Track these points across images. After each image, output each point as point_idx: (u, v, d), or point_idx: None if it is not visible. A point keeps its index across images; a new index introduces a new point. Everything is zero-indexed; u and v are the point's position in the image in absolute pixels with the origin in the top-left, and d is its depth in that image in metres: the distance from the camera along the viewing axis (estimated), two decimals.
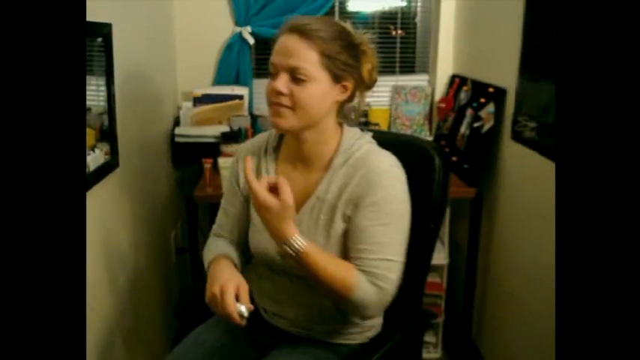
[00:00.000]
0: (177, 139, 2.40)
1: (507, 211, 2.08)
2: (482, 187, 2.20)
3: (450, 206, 2.35)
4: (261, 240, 1.30)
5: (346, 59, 1.20)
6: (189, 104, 2.48)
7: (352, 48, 1.22)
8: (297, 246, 1.14)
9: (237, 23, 2.60)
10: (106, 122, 1.57)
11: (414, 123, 2.76)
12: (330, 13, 2.70)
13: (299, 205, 1.25)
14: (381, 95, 2.81)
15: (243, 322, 1.13)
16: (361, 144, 1.26)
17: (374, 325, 1.39)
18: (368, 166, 1.21)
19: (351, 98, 1.28)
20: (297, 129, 1.21)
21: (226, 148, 2.28)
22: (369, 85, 1.29)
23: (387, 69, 2.83)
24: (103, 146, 1.54)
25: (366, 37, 1.27)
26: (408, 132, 2.76)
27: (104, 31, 1.54)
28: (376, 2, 2.82)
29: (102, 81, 1.55)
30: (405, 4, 2.83)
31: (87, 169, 1.42)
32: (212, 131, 2.37)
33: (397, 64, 2.83)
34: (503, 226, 2.11)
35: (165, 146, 2.39)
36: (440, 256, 2.35)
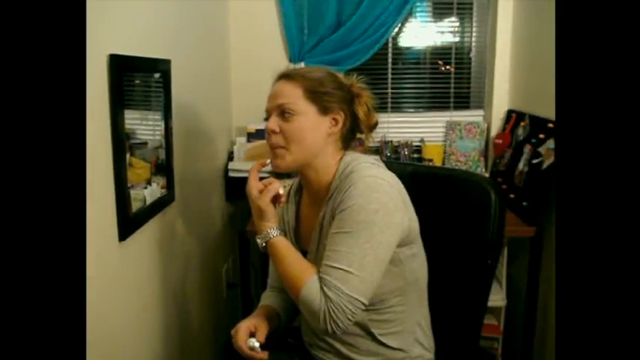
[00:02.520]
0: (230, 174, 2.42)
1: None
2: (543, 226, 2.11)
3: (508, 246, 2.28)
4: None
5: (331, 91, 1.25)
6: (243, 139, 2.50)
7: (339, 85, 1.27)
8: (267, 238, 1.24)
9: (292, 59, 2.63)
10: (162, 156, 1.59)
11: (469, 159, 2.70)
12: (383, 49, 2.70)
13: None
14: (435, 131, 2.77)
15: (256, 355, 1.24)
16: (356, 164, 1.24)
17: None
18: (349, 181, 1.19)
19: (352, 135, 1.30)
20: (295, 167, 1.27)
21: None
22: (369, 126, 1.31)
23: (441, 104, 2.80)
24: (158, 180, 1.56)
25: (355, 80, 1.30)
26: (463, 168, 2.70)
27: (163, 67, 1.58)
28: (429, 38, 2.81)
29: (159, 115, 1.57)
30: (458, 39, 2.81)
31: (143, 203, 1.43)
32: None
33: (451, 100, 2.80)
34: None
35: (219, 181, 2.41)
36: (497, 298, 2.26)
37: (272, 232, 1.24)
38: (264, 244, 1.26)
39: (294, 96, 1.23)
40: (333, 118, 1.25)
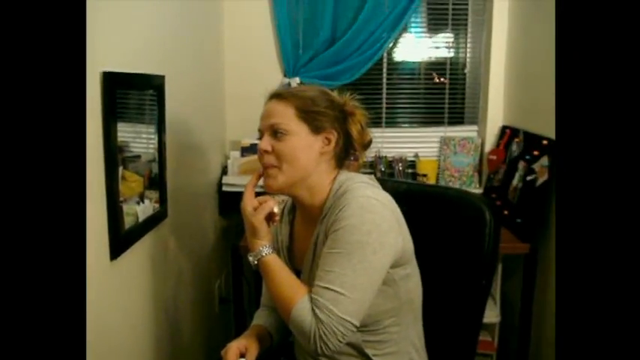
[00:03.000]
0: (224, 188, 2.41)
1: None
2: (537, 243, 2.10)
3: (502, 262, 2.27)
4: None
5: (323, 110, 1.24)
6: (237, 154, 2.49)
7: (331, 104, 1.26)
8: (259, 256, 1.23)
9: (286, 74, 2.63)
10: (155, 170, 1.58)
11: (463, 175, 2.70)
12: (378, 64, 2.70)
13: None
14: (429, 146, 2.78)
15: None
16: (350, 184, 1.23)
17: None
18: (342, 201, 1.18)
19: (346, 154, 1.30)
20: (287, 187, 1.26)
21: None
22: (363, 145, 1.30)
23: (436, 119, 2.81)
24: (151, 194, 1.55)
25: (349, 99, 1.30)
26: (457, 184, 2.70)
27: (157, 82, 1.57)
28: (423, 52, 2.82)
29: (152, 129, 1.57)
30: (452, 54, 2.82)
31: (136, 219, 1.42)
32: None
33: (445, 115, 2.80)
34: None
35: (212, 195, 2.39)
36: (492, 314, 2.26)
37: (264, 250, 1.23)
38: (256, 262, 1.24)
39: (286, 116, 1.23)
40: (326, 137, 1.25)
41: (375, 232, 1.13)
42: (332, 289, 1.11)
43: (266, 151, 1.24)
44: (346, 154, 1.30)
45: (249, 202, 1.26)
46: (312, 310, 1.12)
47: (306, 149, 1.23)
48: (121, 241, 1.31)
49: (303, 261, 1.29)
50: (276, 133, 1.23)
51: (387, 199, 1.22)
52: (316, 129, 1.23)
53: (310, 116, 1.23)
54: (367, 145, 1.32)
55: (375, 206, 1.16)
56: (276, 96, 1.27)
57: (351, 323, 1.11)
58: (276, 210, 1.26)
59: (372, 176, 1.31)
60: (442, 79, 2.82)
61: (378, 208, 1.16)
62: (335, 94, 1.31)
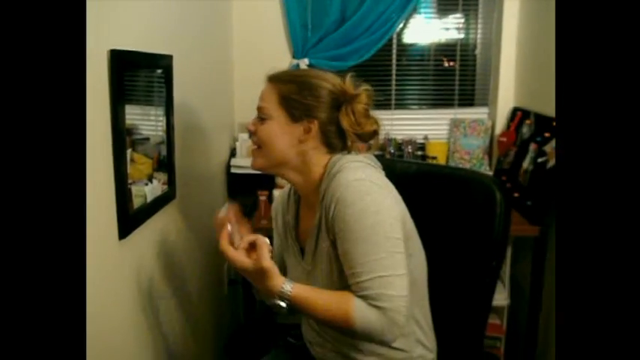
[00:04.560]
0: (233, 170, 2.41)
1: None
2: (547, 226, 2.09)
3: (511, 245, 2.26)
4: (293, 279, 1.24)
5: (305, 101, 1.23)
6: (245, 136, 2.49)
7: (320, 91, 1.23)
8: (286, 295, 1.12)
9: (295, 56, 2.61)
10: (164, 152, 1.58)
11: (473, 157, 2.68)
12: (388, 45, 2.68)
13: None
14: (439, 128, 2.76)
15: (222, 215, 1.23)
16: (342, 163, 1.21)
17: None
18: (336, 186, 1.16)
19: (340, 140, 1.25)
20: (267, 168, 1.29)
21: (281, 181, 2.26)
22: (359, 135, 1.25)
23: (446, 101, 2.78)
24: (160, 176, 1.54)
25: (351, 84, 1.25)
26: (467, 166, 2.68)
27: (165, 62, 1.56)
28: (434, 34, 2.79)
29: (161, 111, 1.56)
30: (463, 35, 2.79)
31: (144, 200, 1.42)
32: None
33: (456, 97, 2.78)
34: None
35: (221, 177, 2.39)
36: (500, 297, 2.25)
37: (286, 288, 1.13)
38: (286, 304, 1.13)
39: (270, 100, 1.25)
40: (307, 126, 1.23)
41: (382, 209, 1.14)
42: (377, 277, 1.11)
43: (250, 132, 1.29)
44: (341, 140, 1.25)
45: (239, 258, 1.15)
46: (372, 306, 1.11)
47: (282, 136, 1.24)
48: (129, 220, 1.31)
49: (306, 241, 1.28)
50: (260, 116, 1.26)
51: (380, 178, 1.22)
52: (294, 117, 1.23)
53: (290, 104, 1.23)
54: (366, 135, 1.26)
55: (371, 187, 1.15)
56: (269, 78, 1.28)
57: (407, 296, 1.12)
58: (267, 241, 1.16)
59: (371, 155, 1.28)
60: (451, 64, 2.79)
61: (375, 188, 1.16)
62: (338, 80, 1.26)
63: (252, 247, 1.14)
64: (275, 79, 1.27)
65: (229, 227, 1.18)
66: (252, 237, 1.15)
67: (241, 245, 1.15)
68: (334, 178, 1.18)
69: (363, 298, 1.11)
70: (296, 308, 1.14)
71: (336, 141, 1.25)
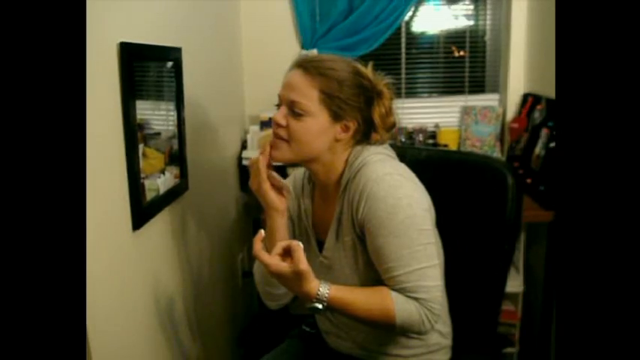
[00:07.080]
0: (244, 163, 2.41)
1: None
2: None
3: (525, 231, 2.25)
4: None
5: (348, 98, 1.17)
6: (257, 128, 2.49)
7: (359, 88, 1.19)
8: (323, 298, 1.10)
9: (304, 46, 2.60)
10: (175, 146, 1.58)
11: (485, 144, 2.67)
12: (397, 34, 2.67)
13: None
14: (450, 116, 2.74)
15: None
16: (365, 155, 1.20)
17: (441, 347, 1.32)
18: (364, 182, 1.15)
19: (366, 137, 1.23)
20: (291, 161, 1.23)
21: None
22: (385, 128, 1.23)
23: (456, 89, 2.77)
24: (172, 169, 1.56)
25: (380, 81, 1.22)
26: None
27: (174, 55, 1.57)
28: (443, 22, 2.77)
29: (171, 105, 1.57)
30: (472, 22, 2.77)
31: (157, 192, 1.43)
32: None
33: (466, 84, 2.76)
34: None
35: (232, 169, 2.40)
36: (515, 284, 2.24)
37: (324, 290, 1.10)
38: (324, 305, 1.11)
39: (308, 96, 1.15)
40: (345, 125, 1.19)
41: (414, 203, 1.15)
42: (413, 270, 1.12)
43: (280, 125, 1.18)
44: (367, 137, 1.24)
45: (276, 263, 1.08)
46: (409, 298, 1.13)
47: (321, 135, 1.18)
48: (142, 212, 1.33)
49: (327, 234, 1.27)
50: (294, 110, 1.16)
51: (406, 171, 1.21)
52: (337, 116, 1.17)
53: (334, 102, 1.16)
54: (390, 128, 1.25)
55: (400, 181, 1.16)
56: (303, 67, 1.18)
57: (441, 285, 1.17)
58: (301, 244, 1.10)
59: (387, 145, 1.28)
60: (461, 53, 2.78)
61: (404, 181, 1.16)
62: (366, 70, 1.22)
63: (286, 253, 1.10)
64: (313, 71, 1.16)
65: (262, 233, 1.15)
66: (285, 243, 1.11)
67: (275, 251, 1.10)
68: (359, 171, 1.18)
69: (401, 291, 1.13)
70: (334, 309, 1.13)
71: (361, 135, 1.23)
